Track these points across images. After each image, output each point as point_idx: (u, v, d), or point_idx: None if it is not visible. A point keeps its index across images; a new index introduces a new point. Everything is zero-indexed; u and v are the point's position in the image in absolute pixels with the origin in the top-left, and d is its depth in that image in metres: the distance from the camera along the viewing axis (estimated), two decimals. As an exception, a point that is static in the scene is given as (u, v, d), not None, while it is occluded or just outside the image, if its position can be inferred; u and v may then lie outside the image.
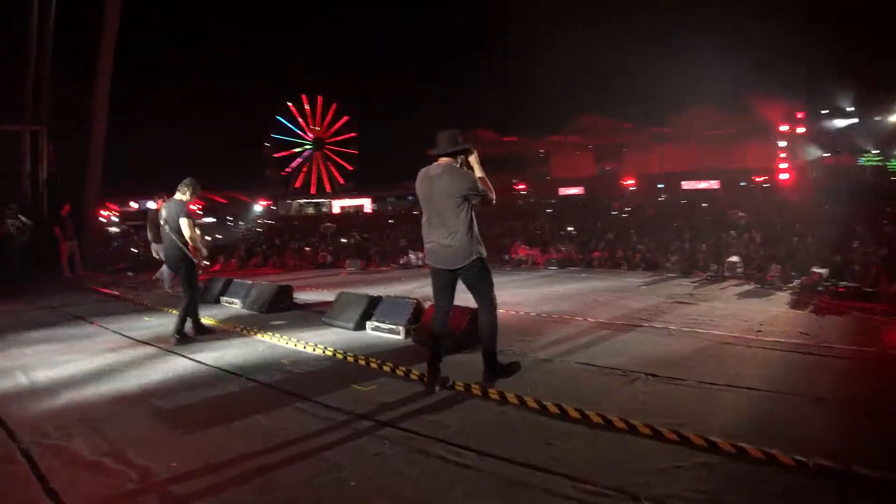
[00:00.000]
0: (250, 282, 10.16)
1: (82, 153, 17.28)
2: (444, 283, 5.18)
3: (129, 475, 3.77)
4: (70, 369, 6.21)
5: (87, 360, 6.58)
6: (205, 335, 7.71)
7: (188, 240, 7.19)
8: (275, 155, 68.70)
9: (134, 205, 55.60)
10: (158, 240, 10.29)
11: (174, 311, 9.21)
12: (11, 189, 16.42)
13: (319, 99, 69.53)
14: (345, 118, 70.20)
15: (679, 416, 4.30)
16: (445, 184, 4.95)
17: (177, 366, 6.27)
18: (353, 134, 70.61)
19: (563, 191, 46.04)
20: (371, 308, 7.72)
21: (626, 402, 4.62)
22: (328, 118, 70.58)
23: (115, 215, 47.36)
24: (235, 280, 10.46)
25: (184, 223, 7.13)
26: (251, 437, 4.25)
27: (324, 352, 6.58)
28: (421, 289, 11.45)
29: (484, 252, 5.00)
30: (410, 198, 60.05)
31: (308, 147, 70.49)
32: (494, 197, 5.06)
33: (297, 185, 70.49)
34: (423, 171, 5.12)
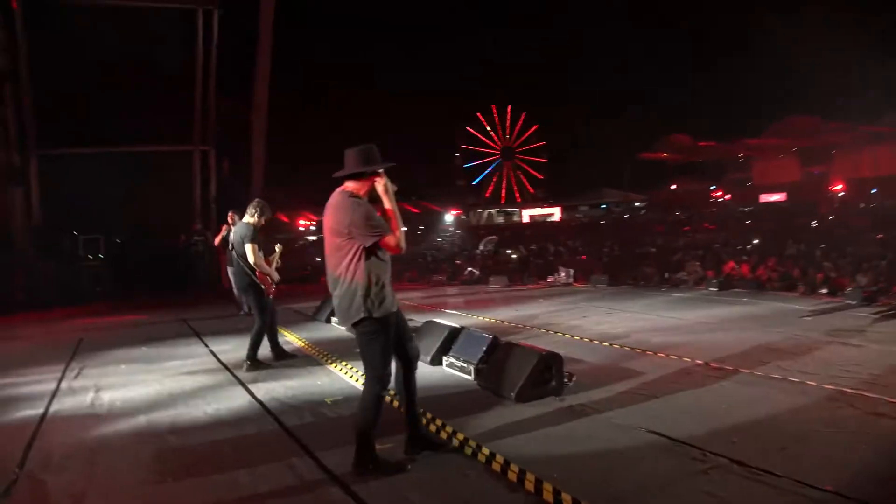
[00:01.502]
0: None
1: (246, 169, 18.69)
2: None
3: None
4: (136, 392, 6.61)
5: (158, 384, 6.97)
6: (283, 361, 7.65)
7: (254, 266, 7.09)
8: (465, 165, 70.47)
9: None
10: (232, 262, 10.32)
11: (285, 331, 9.41)
12: (184, 205, 18.22)
13: (508, 108, 70.18)
14: (534, 127, 70.14)
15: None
16: (331, 217, 4.18)
17: (224, 397, 6.33)
18: (542, 143, 70.27)
19: (764, 197, 41.65)
20: (450, 341, 7.14)
21: (676, 508, 3.54)
22: (517, 127, 71.01)
23: (313, 225, 51.11)
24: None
25: (248, 248, 7.07)
26: (212, 494, 4.05)
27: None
28: (543, 315, 10.57)
29: (378, 311, 4.05)
30: (604, 206, 58.25)
31: (497, 156, 71.38)
32: (402, 241, 4.07)
33: (487, 194, 71.66)
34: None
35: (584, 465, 4.18)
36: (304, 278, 19.54)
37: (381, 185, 4.18)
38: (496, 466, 4.18)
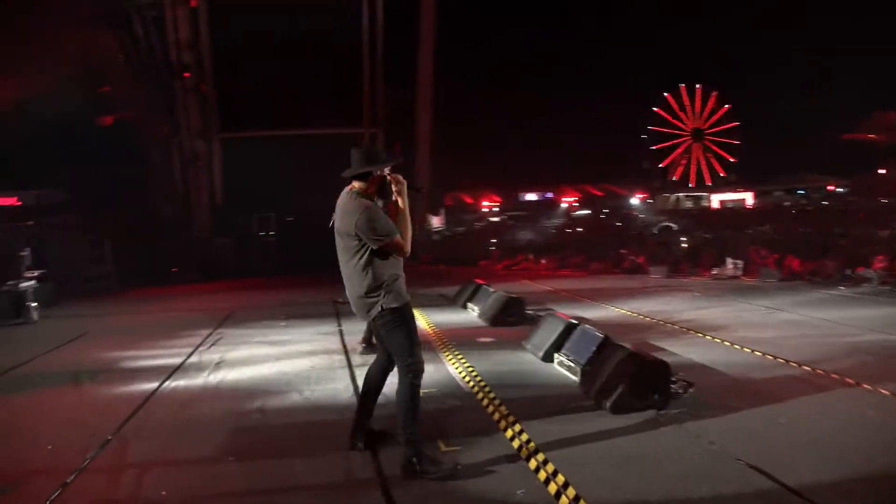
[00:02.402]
0: (493, 289, 9.77)
1: (413, 152, 19.03)
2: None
3: (120, 489, 4.01)
4: (250, 367, 6.98)
5: (275, 360, 7.28)
6: None
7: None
8: (652, 147, 67.19)
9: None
10: None
11: (419, 314, 9.44)
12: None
13: (698, 90, 65.52)
14: (725, 108, 64.92)
15: None
16: (339, 219, 4.08)
17: (326, 380, 6.36)
18: (735, 124, 64.83)
19: None
20: (564, 337, 6.65)
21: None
22: (708, 108, 66.09)
23: (496, 206, 51.50)
24: (483, 286, 10.20)
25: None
26: (259, 480, 4.09)
27: (473, 387, 5.83)
28: (691, 311, 9.59)
29: (393, 302, 4.00)
30: (801, 191, 52.84)
31: (686, 138, 67.12)
32: (407, 246, 4.06)
33: (675, 177, 67.79)
34: None
35: (651, 499, 3.59)
36: (472, 260, 19.48)
37: (396, 186, 4.11)
38: (553, 488, 3.73)
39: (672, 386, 5.34)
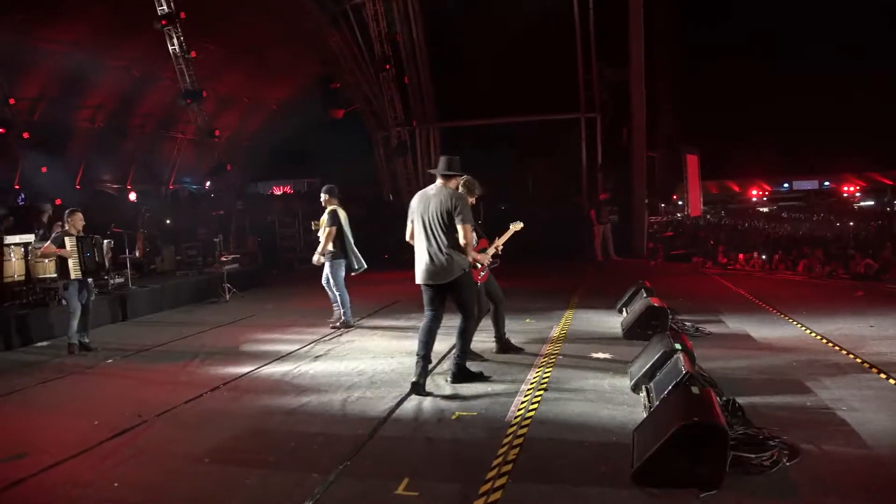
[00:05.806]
0: (645, 294, 8.31)
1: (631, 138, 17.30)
2: None
3: (93, 473, 4.02)
4: (337, 362, 6.80)
5: (370, 358, 6.94)
6: (508, 353, 6.96)
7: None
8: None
9: (786, 185, 52.29)
10: None
11: (568, 316, 8.93)
12: (570, 171, 17.88)
13: None
14: None
15: None
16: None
17: (392, 385, 5.86)
18: None
19: None
20: (658, 366, 5.29)
21: None
22: None
23: (765, 195, 45.61)
24: (644, 290, 8.66)
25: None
26: (209, 486, 3.91)
27: (517, 419, 4.89)
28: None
29: None
30: None
31: None
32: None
33: None
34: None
35: None
36: (689, 256, 17.10)
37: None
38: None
39: (752, 456, 3.83)
